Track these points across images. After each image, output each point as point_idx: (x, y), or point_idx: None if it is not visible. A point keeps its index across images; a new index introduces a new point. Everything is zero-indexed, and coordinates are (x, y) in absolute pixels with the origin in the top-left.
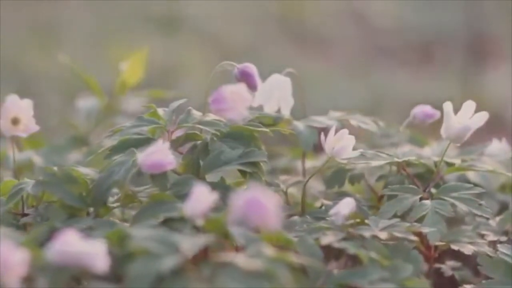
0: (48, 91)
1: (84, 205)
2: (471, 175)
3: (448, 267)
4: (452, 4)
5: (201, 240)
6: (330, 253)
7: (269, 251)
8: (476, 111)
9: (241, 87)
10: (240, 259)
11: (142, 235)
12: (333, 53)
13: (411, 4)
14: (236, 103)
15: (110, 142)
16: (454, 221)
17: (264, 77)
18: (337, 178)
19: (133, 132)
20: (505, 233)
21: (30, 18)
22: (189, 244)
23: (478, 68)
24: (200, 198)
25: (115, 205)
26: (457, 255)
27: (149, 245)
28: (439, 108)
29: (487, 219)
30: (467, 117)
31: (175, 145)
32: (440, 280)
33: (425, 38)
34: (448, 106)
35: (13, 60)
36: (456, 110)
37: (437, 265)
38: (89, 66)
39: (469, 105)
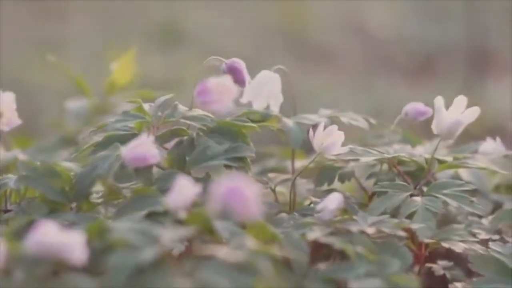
0: (50, 104)
1: (66, 200)
2: (464, 174)
3: (439, 266)
4: (454, 16)
5: (181, 232)
6: (320, 252)
7: (251, 243)
8: (478, 122)
9: (227, 79)
10: (222, 252)
11: (123, 227)
12: (335, 65)
13: (413, 17)
14: (222, 95)
15: (96, 139)
16: (446, 221)
17: None
18: (327, 176)
19: (118, 127)
20: (498, 232)
21: (33, 33)
22: (169, 236)
23: (479, 80)
24: (183, 191)
25: (99, 201)
26: (449, 256)
27: (129, 237)
28: None
29: (480, 217)
30: (459, 112)
31: (161, 140)
32: (432, 280)
33: (427, 50)
34: (439, 101)
35: (15, 74)
36: None
37: (428, 265)
38: (91, 79)
39: (461, 100)
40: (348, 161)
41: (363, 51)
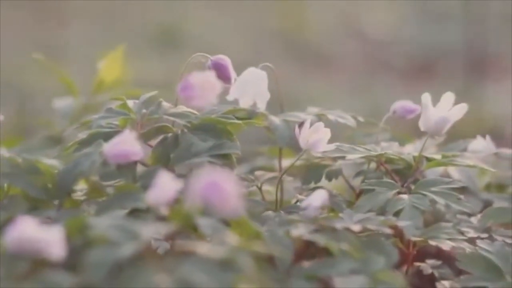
0: (48, 106)
1: (49, 197)
2: (454, 173)
3: (428, 265)
4: (453, 19)
5: (161, 229)
6: (309, 251)
7: (233, 240)
8: (476, 125)
9: (210, 75)
10: (204, 248)
11: (103, 223)
12: (334, 67)
13: (412, 19)
14: (205, 91)
15: (81, 136)
16: (436, 220)
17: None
18: (314, 174)
19: (102, 125)
20: (487, 230)
21: (33, 35)
22: (149, 231)
23: (478, 83)
24: (164, 187)
25: (82, 198)
26: (440, 255)
27: (109, 233)
28: None
29: (469, 216)
30: (446, 109)
31: (146, 137)
32: (421, 279)
33: (426, 53)
34: (426, 97)
35: (14, 76)
36: (455, 124)
37: (417, 264)
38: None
39: (448, 97)
40: (336, 159)
41: (362, 54)
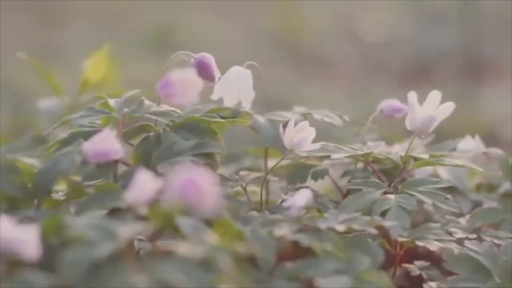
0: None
1: (28, 196)
2: (443, 173)
3: (416, 267)
4: (450, 23)
5: (139, 228)
6: (295, 252)
7: (212, 239)
8: (472, 128)
9: (191, 73)
10: (183, 248)
11: (80, 223)
12: (330, 71)
13: (409, 22)
14: (186, 89)
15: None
16: (425, 221)
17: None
18: (299, 174)
19: (84, 124)
20: (476, 231)
21: (31, 39)
22: (127, 231)
23: (474, 86)
24: (143, 186)
25: (63, 198)
26: (430, 257)
27: (86, 232)
28: (438, 129)
29: (458, 217)
30: (433, 108)
31: (128, 136)
32: (409, 280)
33: (423, 56)
34: (412, 96)
35: (11, 80)
36: (450, 127)
37: (405, 265)
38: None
39: (435, 96)
40: (322, 159)
41: (359, 56)
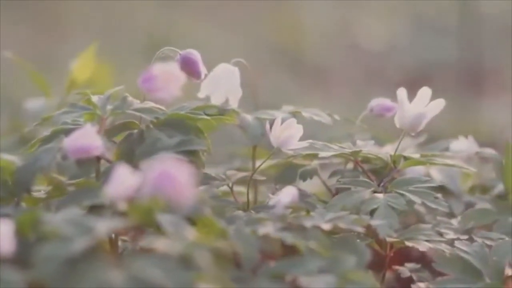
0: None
1: (8, 193)
2: (436, 174)
3: (406, 268)
4: (449, 33)
5: (117, 223)
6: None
7: (191, 235)
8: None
9: (174, 67)
10: (161, 244)
11: (56, 219)
12: (329, 81)
13: (409, 33)
14: (168, 83)
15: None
16: (416, 223)
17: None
18: (288, 174)
19: (66, 121)
20: (468, 232)
21: (32, 51)
22: (103, 226)
23: (474, 97)
24: (122, 182)
25: (44, 196)
26: (422, 259)
27: (61, 227)
28: (436, 138)
29: (450, 218)
30: (422, 105)
31: (111, 133)
32: (400, 282)
33: (422, 67)
34: (402, 93)
35: (13, 90)
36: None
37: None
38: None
39: (425, 92)
40: (312, 159)
41: (358, 66)
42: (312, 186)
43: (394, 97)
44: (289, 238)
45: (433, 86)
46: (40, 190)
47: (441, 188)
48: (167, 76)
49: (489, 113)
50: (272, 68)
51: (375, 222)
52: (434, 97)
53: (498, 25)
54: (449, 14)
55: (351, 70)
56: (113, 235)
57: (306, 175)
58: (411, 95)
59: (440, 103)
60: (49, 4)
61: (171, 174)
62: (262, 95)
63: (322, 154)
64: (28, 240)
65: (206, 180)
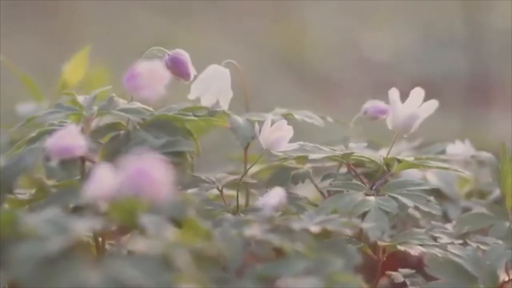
0: None
1: None
2: (433, 179)
3: (400, 274)
4: (457, 45)
5: (95, 223)
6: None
7: (172, 236)
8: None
9: (158, 64)
10: (140, 244)
11: (34, 218)
12: (335, 91)
13: (416, 45)
14: (153, 81)
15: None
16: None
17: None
18: (279, 177)
19: (53, 122)
20: (463, 236)
21: (38, 63)
22: (81, 226)
23: (481, 109)
24: (102, 181)
25: (28, 199)
26: (417, 265)
27: (38, 227)
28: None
29: (445, 223)
30: (416, 105)
31: (98, 134)
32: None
33: (429, 78)
34: (394, 93)
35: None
36: None
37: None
38: None
39: (418, 93)
40: (304, 162)
41: (366, 77)
42: (306, 191)
43: None
44: (276, 240)
45: (442, 98)
46: (25, 192)
47: (438, 193)
48: (151, 74)
49: (497, 125)
50: (279, 79)
51: (365, 225)
52: (443, 109)
53: (507, 38)
54: (458, 26)
55: (359, 81)
56: (100, 239)
57: (298, 179)
58: None
59: (433, 104)
60: (59, 16)
61: (147, 171)
62: (269, 105)
63: (312, 156)
64: (7, 240)
65: (195, 182)
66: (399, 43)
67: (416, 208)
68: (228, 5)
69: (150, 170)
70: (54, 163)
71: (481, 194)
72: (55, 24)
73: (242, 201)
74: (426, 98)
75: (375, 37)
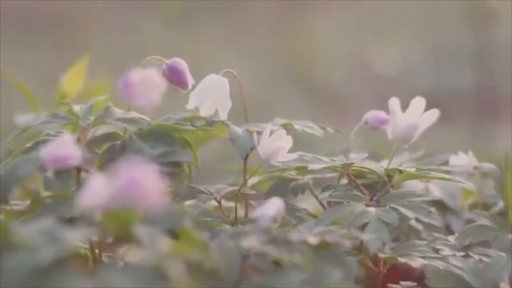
0: None
1: None
2: (435, 191)
3: (401, 286)
4: (464, 60)
5: (88, 233)
6: None
7: (166, 246)
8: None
9: (153, 73)
10: (134, 255)
11: (27, 229)
12: (343, 107)
13: (425, 60)
14: (147, 89)
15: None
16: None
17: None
18: (279, 188)
19: (49, 132)
20: (465, 249)
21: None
22: (73, 236)
23: (489, 125)
24: (96, 190)
25: (23, 210)
26: (419, 278)
27: (30, 237)
28: None
29: (448, 235)
30: (416, 115)
31: (93, 144)
32: None
33: (437, 94)
34: (394, 103)
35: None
36: None
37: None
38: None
39: (418, 102)
40: (304, 174)
41: (374, 94)
42: (307, 203)
43: None
44: (273, 251)
45: (450, 113)
46: (21, 204)
47: (441, 205)
48: (146, 81)
49: (505, 140)
50: (286, 93)
51: (364, 236)
52: (450, 123)
53: None
54: (465, 41)
55: (366, 96)
56: (96, 250)
57: (298, 190)
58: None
59: (434, 114)
60: (67, 28)
61: (139, 180)
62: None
63: (311, 166)
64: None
65: (193, 194)
66: (407, 58)
67: (418, 220)
68: (237, 18)
69: (141, 179)
70: (51, 174)
71: (485, 207)
72: (63, 36)
73: (241, 213)
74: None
75: (383, 51)
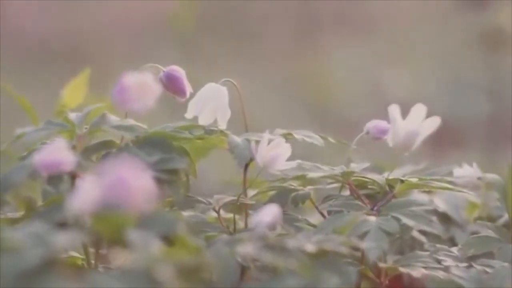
0: None
1: None
2: (440, 204)
3: None
4: (478, 88)
5: (77, 236)
6: None
7: (157, 251)
8: None
9: (148, 77)
10: (125, 259)
11: (17, 233)
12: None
13: (440, 88)
14: (142, 93)
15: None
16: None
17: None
18: (279, 198)
19: (39, 137)
20: (469, 260)
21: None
22: (62, 239)
23: (504, 151)
24: (86, 194)
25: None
26: None
27: (19, 241)
28: None
29: (450, 246)
30: (417, 122)
31: (89, 152)
32: None
33: (452, 121)
34: (394, 110)
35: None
36: None
37: None
38: None
39: (419, 109)
40: (305, 184)
41: (388, 121)
42: (308, 215)
43: (425, 154)
44: (269, 257)
45: (464, 140)
46: (17, 213)
47: (445, 217)
48: (141, 86)
49: None
50: (301, 122)
51: (364, 245)
52: (464, 152)
53: None
54: (480, 69)
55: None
56: (90, 254)
57: (298, 200)
58: (441, 150)
59: (435, 121)
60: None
61: (126, 180)
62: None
63: (311, 174)
64: None
65: (190, 203)
66: (421, 87)
67: (422, 233)
68: (251, 49)
69: (129, 177)
70: (44, 180)
71: (491, 219)
72: (81, 64)
73: (242, 224)
74: (449, 141)
75: (398, 81)
